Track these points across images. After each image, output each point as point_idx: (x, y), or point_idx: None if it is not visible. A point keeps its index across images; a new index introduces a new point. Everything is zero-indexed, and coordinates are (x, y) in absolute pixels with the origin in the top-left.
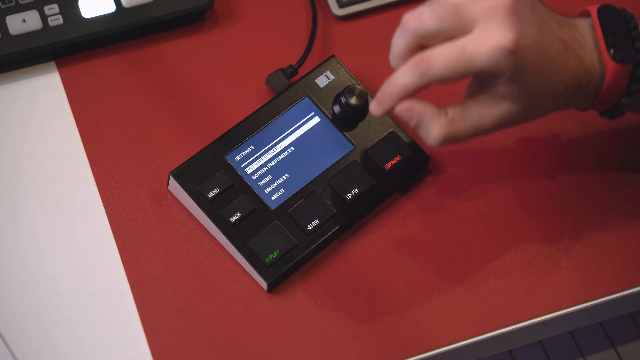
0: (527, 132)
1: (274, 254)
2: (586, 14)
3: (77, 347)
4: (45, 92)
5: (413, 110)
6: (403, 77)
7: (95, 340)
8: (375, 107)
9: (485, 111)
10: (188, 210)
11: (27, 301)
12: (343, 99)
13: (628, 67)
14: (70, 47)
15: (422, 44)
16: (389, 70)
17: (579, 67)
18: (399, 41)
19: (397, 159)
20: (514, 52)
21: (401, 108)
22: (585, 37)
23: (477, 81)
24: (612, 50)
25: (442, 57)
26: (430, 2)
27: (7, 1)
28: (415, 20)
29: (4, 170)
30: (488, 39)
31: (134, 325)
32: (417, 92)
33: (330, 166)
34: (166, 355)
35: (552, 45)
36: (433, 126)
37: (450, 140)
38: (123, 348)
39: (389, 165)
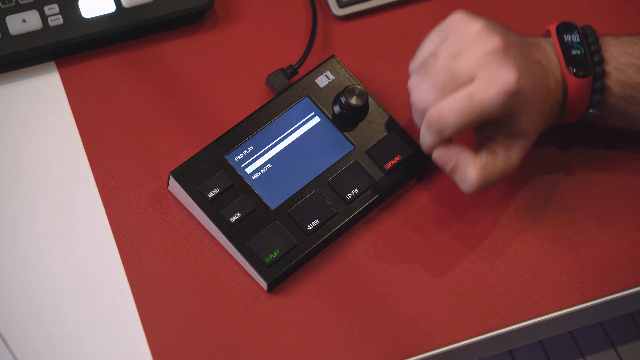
0: None
1: (274, 254)
2: (547, 34)
3: (77, 347)
4: (45, 92)
5: (450, 155)
6: (425, 137)
7: (95, 340)
8: (422, 145)
9: (509, 151)
10: (188, 210)
11: (27, 301)
12: (343, 99)
13: (587, 81)
14: (70, 47)
15: None
16: (389, 70)
17: (552, 82)
18: (418, 121)
19: (397, 159)
20: (519, 92)
21: (438, 154)
22: (551, 54)
23: (489, 126)
24: (571, 66)
25: (453, 111)
26: (424, 69)
27: (7, 1)
28: (420, 100)
29: (4, 170)
30: (492, 85)
31: (134, 325)
32: (439, 144)
33: (330, 166)
34: (166, 355)
35: (536, 72)
36: (470, 171)
37: (485, 184)
38: (123, 348)
39: (389, 165)
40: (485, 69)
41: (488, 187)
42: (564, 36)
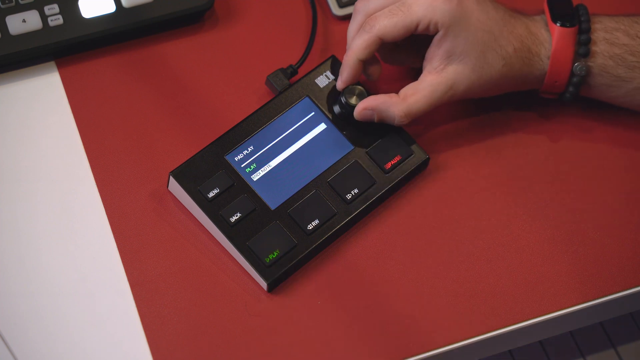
0: (527, 132)
1: (274, 254)
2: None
3: (77, 347)
4: (45, 92)
5: (368, 107)
6: (355, 40)
7: (95, 340)
8: (338, 80)
9: (436, 78)
10: (188, 210)
11: (27, 301)
12: (343, 99)
13: (572, 31)
14: (70, 47)
15: None
16: (389, 70)
17: (527, 32)
18: (352, 24)
19: (397, 159)
20: (452, 1)
21: (358, 111)
22: (535, 17)
23: (428, 54)
24: (556, 20)
25: (385, 12)
26: None
27: (7, 1)
28: (362, 2)
29: (4, 170)
30: None
31: (134, 325)
32: (369, 52)
33: (330, 166)
34: (166, 355)
35: (495, 11)
36: (392, 110)
37: (411, 114)
38: (123, 348)
39: (389, 165)
40: None
41: (420, 115)
42: (554, 1)
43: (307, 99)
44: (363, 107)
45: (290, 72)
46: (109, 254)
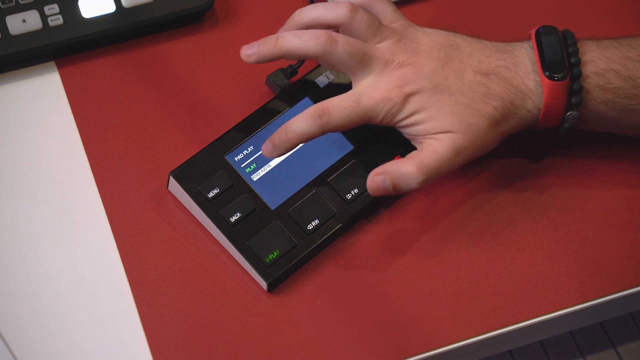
0: (526, 133)
1: (274, 254)
2: (529, 38)
3: (77, 347)
4: (45, 92)
5: (377, 172)
6: (303, 124)
7: (95, 340)
8: (269, 150)
9: (436, 143)
10: (188, 210)
11: (27, 301)
12: None
13: (564, 84)
14: (70, 47)
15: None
16: None
17: (506, 89)
18: (308, 41)
19: (396, 158)
20: (405, 98)
21: (369, 184)
22: (520, 59)
23: (407, 135)
24: (546, 70)
25: (340, 111)
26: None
27: (7, 1)
28: (330, 42)
29: (4, 170)
30: (376, 93)
31: (134, 325)
32: (312, 139)
33: (330, 166)
34: (166, 355)
35: (459, 79)
36: (404, 168)
37: (424, 167)
38: (123, 348)
39: None
40: (378, 74)
41: (433, 177)
42: (543, 39)
43: (307, 99)
44: (372, 175)
45: (290, 72)
46: (109, 254)
